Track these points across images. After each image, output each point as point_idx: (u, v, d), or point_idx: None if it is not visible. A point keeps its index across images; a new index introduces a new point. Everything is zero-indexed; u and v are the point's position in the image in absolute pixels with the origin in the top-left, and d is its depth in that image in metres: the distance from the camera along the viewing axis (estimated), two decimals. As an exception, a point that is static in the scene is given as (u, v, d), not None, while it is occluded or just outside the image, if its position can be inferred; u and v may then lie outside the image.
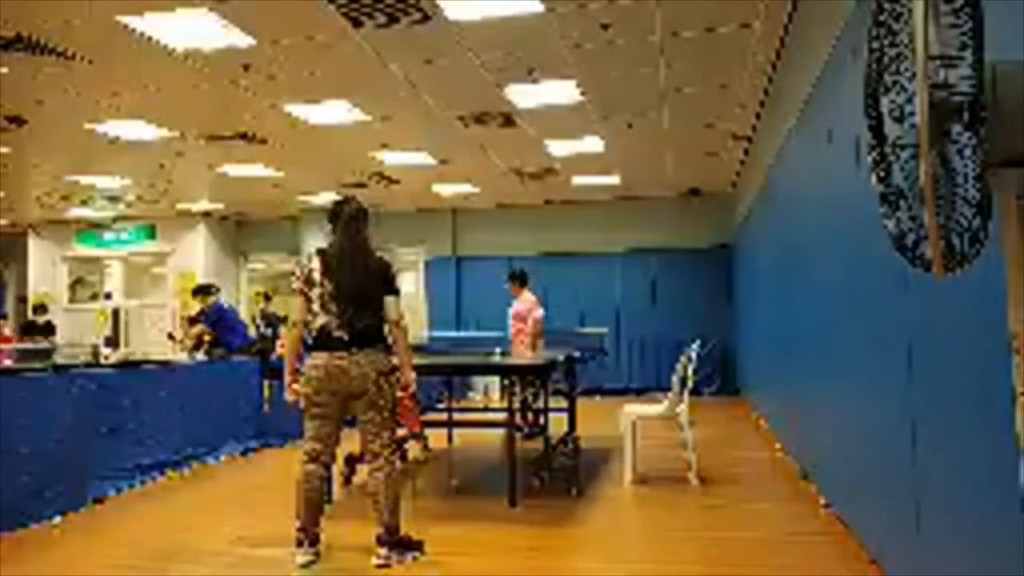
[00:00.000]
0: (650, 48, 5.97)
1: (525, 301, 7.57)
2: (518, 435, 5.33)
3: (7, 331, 10.98)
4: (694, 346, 5.54)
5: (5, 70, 6.16)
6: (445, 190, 11.68)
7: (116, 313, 14.09)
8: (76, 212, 13.14)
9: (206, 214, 13.58)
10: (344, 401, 3.68)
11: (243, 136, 8.38)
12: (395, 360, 3.80)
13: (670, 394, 5.45)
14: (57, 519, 4.64)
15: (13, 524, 4.37)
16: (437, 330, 12.71)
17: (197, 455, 6.25)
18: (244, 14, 5.20)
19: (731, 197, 12.02)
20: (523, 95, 7.04)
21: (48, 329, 10.43)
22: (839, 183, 3.60)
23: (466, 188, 11.59)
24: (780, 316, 6.22)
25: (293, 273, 3.83)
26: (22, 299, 14.73)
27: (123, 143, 8.40)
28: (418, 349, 6.16)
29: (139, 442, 5.59)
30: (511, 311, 7.64)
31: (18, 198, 11.84)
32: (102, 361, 7.22)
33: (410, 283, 13.34)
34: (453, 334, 12.45)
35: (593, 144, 8.99)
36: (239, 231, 14.51)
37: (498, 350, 6.06)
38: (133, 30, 5.40)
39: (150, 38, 5.54)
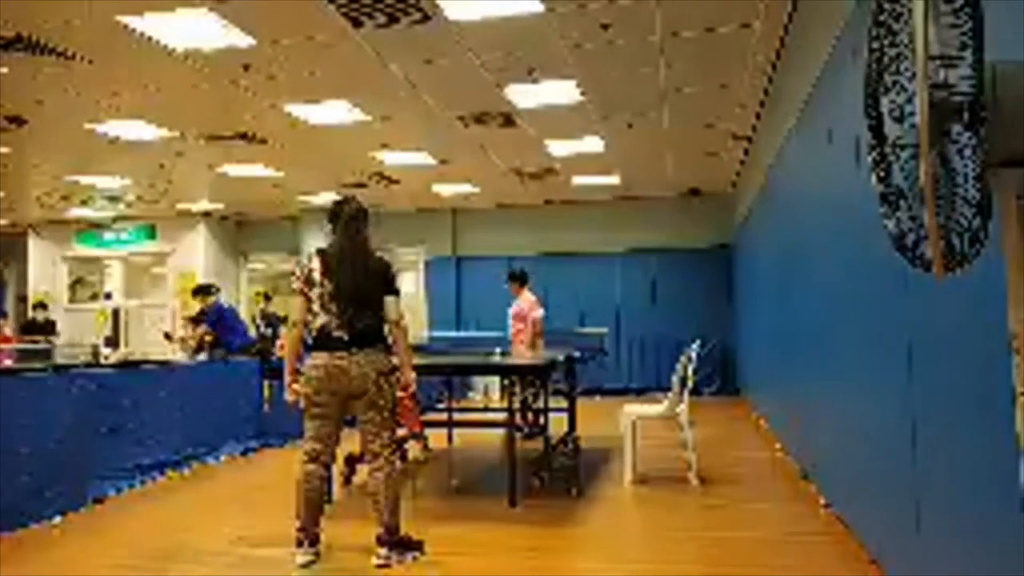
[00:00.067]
0: (650, 48, 5.97)
1: (525, 301, 7.56)
2: (518, 435, 5.32)
3: (7, 331, 10.99)
4: (694, 346, 5.54)
5: (5, 70, 6.16)
6: (445, 190, 11.68)
7: (116, 313, 14.09)
8: (76, 212, 13.14)
9: (206, 214, 13.59)
10: (344, 401, 3.68)
11: (243, 136, 8.38)
12: (395, 360, 3.80)
13: (670, 394, 5.45)
14: (57, 519, 4.63)
15: (13, 524, 4.37)
16: (437, 330, 12.70)
17: (197, 455, 6.25)
18: (244, 14, 5.20)
19: (731, 197, 12.01)
20: (523, 95, 7.04)
21: (49, 327, 10.44)
22: (839, 183, 3.60)
23: (466, 188, 11.58)
24: (780, 316, 6.22)
25: (293, 273, 3.83)
26: (22, 299, 14.74)
27: (123, 143, 8.41)
28: (418, 349, 6.16)
29: (139, 442, 5.59)
30: (511, 311, 7.63)
31: (18, 198, 11.84)
32: (102, 361, 7.23)
33: (410, 283, 13.34)
34: (453, 334, 12.44)
35: (593, 144, 8.99)
36: (239, 231, 14.51)
37: (498, 350, 6.06)
38: (133, 30, 5.40)
39: (150, 38, 5.54)
